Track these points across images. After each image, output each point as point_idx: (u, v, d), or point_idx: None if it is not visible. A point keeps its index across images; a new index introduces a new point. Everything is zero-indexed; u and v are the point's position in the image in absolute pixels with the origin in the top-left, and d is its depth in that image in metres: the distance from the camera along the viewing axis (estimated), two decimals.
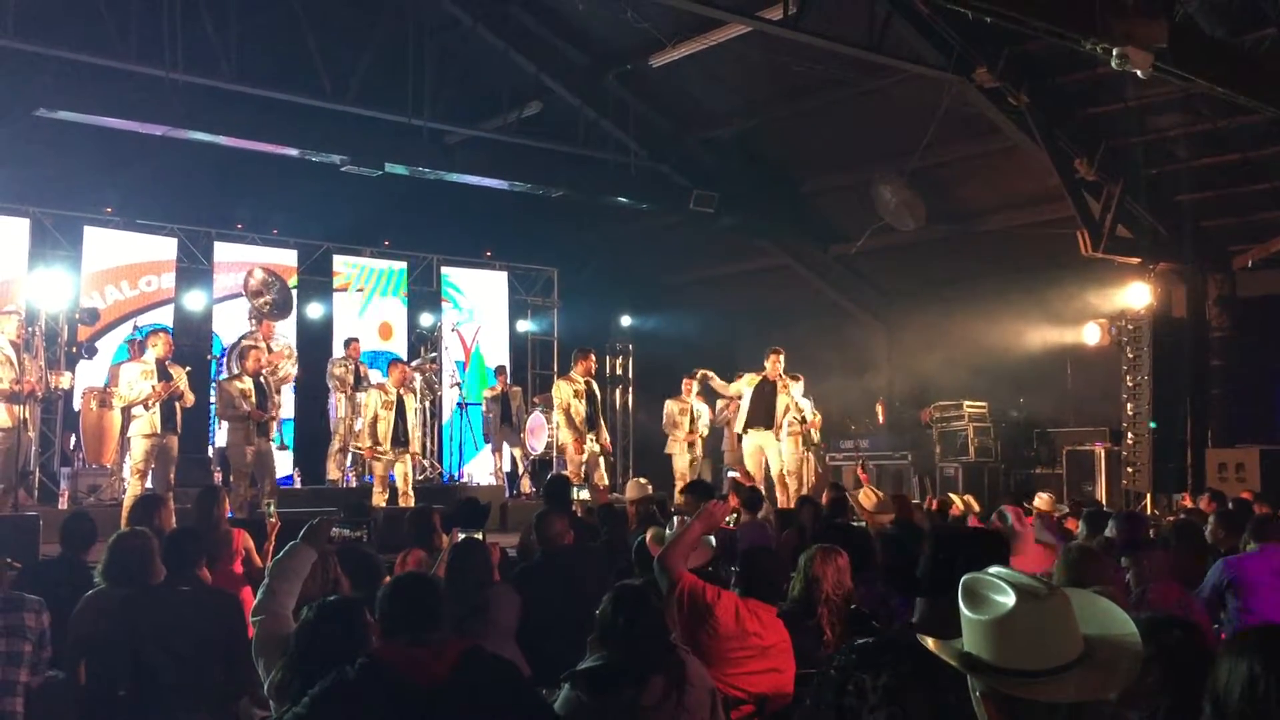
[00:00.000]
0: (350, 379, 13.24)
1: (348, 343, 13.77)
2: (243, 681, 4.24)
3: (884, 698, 2.37)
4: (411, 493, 11.31)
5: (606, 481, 11.30)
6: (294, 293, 14.11)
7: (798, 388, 12.12)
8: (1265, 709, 2.13)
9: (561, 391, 11.36)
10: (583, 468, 11.10)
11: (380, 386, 11.79)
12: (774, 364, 11.77)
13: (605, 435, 11.68)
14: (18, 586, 5.11)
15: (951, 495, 9.26)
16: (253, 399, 10.31)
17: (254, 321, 13.13)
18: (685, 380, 12.89)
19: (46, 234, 13.08)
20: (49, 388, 10.72)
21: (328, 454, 13.31)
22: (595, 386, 11.54)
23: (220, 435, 12.46)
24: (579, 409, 11.19)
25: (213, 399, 12.59)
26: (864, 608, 4.85)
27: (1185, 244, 13.16)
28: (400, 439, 11.45)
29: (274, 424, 10.77)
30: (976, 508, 8.82)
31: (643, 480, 9.50)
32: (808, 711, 2.77)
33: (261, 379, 10.59)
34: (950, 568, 2.65)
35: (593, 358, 11.72)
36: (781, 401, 11.68)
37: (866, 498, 8.18)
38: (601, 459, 11.46)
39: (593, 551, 6.49)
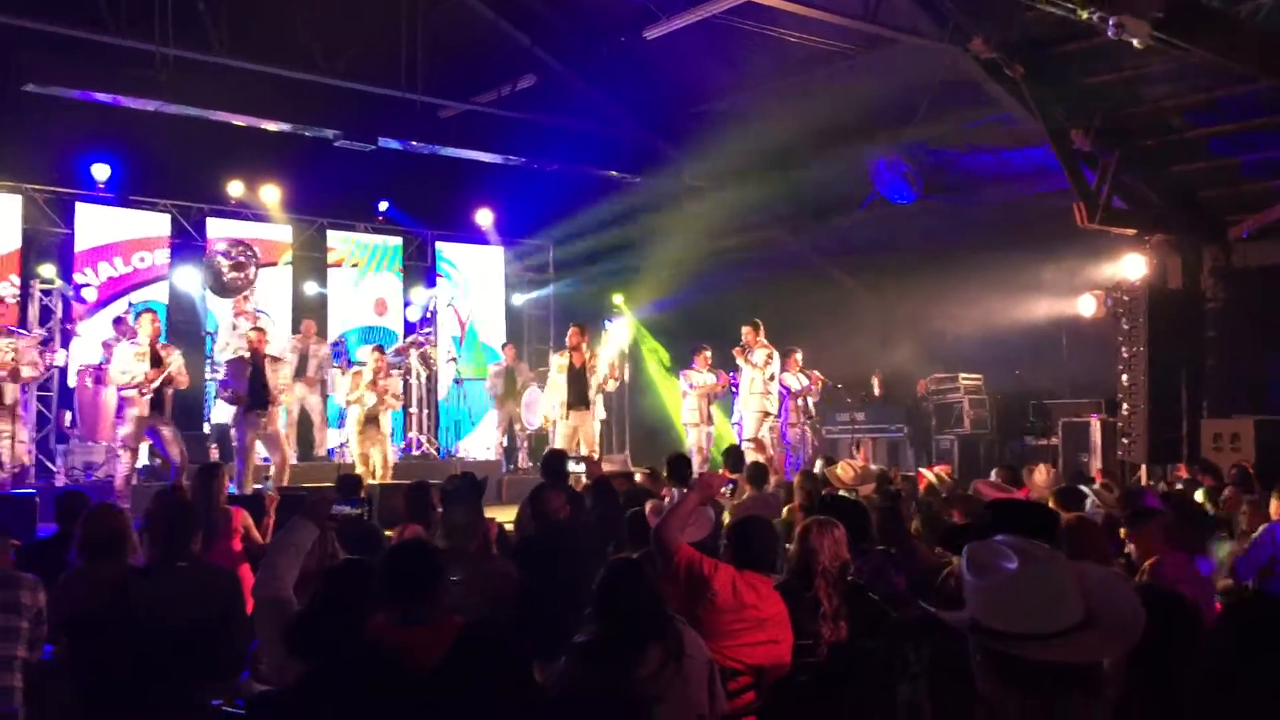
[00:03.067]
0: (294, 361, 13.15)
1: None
2: (242, 657, 4.25)
3: (924, 668, 2.41)
4: (389, 475, 11.28)
5: (590, 453, 11.32)
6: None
7: (759, 355, 12.23)
8: (1229, 680, 2.14)
9: (550, 366, 11.61)
10: (570, 441, 11.23)
11: (357, 373, 11.65)
12: (745, 336, 12.28)
13: (592, 410, 11.68)
14: (18, 564, 5.13)
15: (922, 469, 9.25)
16: (247, 378, 10.33)
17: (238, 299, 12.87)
18: (698, 353, 12.93)
19: (39, 211, 13.02)
20: (44, 366, 10.70)
21: None
22: (581, 361, 11.54)
23: (217, 412, 12.50)
24: (558, 383, 11.51)
25: (209, 376, 12.60)
26: (860, 579, 4.87)
27: (1181, 215, 13.15)
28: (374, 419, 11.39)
29: (278, 404, 10.77)
30: (946, 480, 8.79)
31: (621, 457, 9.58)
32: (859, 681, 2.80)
33: (264, 360, 10.63)
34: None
35: (574, 332, 11.78)
36: (744, 375, 12.26)
37: (845, 470, 8.18)
38: (582, 434, 11.46)
39: (588, 525, 6.50)
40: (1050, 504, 6.31)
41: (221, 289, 12.65)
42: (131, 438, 9.68)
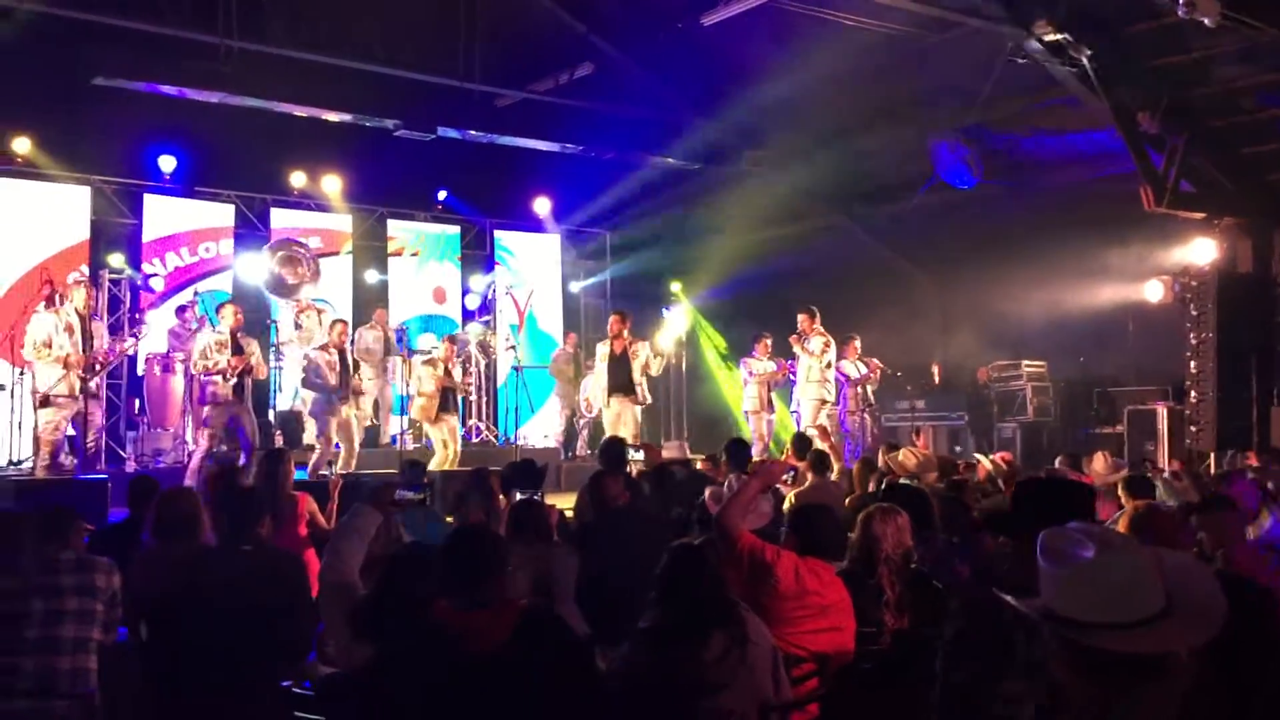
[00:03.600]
0: (379, 350, 13.36)
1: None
2: (308, 639, 4.31)
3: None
4: (456, 461, 11.47)
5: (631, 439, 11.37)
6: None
7: (815, 344, 12.17)
8: None
9: (596, 354, 11.89)
10: (613, 429, 11.27)
11: (431, 362, 11.87)
12: (801, 324, 12.23)
13: (638, 396, 11.69)
14: (91, 548, 5.24)
15: (979, 456, 9.12)
16: (337, 370, 10.59)
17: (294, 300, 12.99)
18: (759, 341, 12.88)
19: (107, 202, 13.28)
20: (116, 354, 10.93)
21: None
22: (623, 347, 11.62)
23: (282, 399, 12.66)
24: (601, 371, 11.71)
25: (273, 364, 12.73)
26: (923, 567, 4.83)
27: (1251, 198, 12.84)
28: (448, 406, 11.62)
29: (357, 394, 11.03)
30: (1005, 465, 8.65)
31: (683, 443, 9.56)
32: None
33: (347, 352, 10.87)
34: (1035, 514, 2.64)
35: (615, 320, 11.80)
36: (802, 362, 12.20)
37: (908, 457, 8.09)
38: (623, 421, 11.48)
39: (647, 512, 6.51)
40: (1118, 492, 6.22)
41: (277, 288, 12.75)
42: (215, 423, 9.89)
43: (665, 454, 9.97)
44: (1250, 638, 2.71)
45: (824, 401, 12.15)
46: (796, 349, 12.30)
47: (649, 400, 12.46)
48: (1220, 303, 12.30)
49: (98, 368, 9.83)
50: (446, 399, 11.61)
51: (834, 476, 8.16)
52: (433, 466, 10.85)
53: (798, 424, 12.65)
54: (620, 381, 11.62)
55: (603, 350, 11.90)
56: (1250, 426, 12.41)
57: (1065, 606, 1.85)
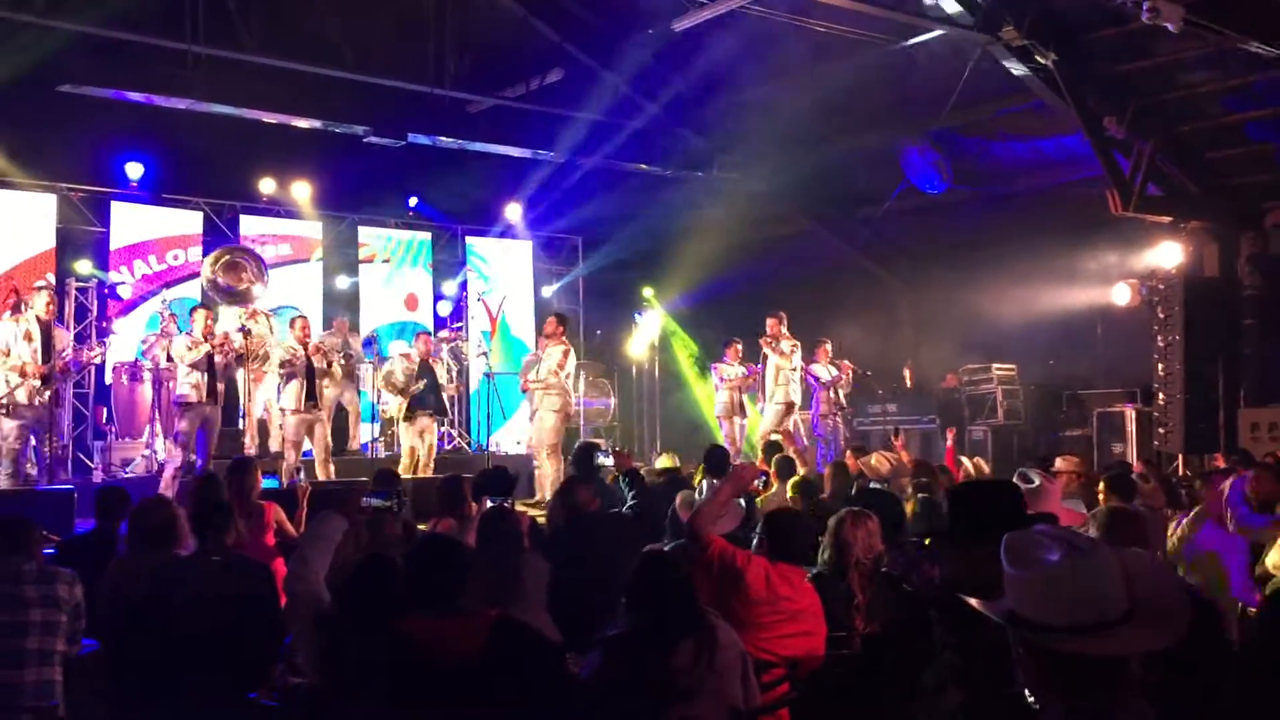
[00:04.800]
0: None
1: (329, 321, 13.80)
2: (276, 649, 4.27)
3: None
4: (432, 464, 11.39)
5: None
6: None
7: (784, 346, 12.18)
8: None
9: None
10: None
11: (405, 356, 11.85)
12: (770, 329, 12.18)
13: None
14: (57, 559, 5.19)
15: (963, 459, 9.18)
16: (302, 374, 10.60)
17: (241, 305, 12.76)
18: (730, 346, 12.87)
19: (74, 210, 13.15)
20: (80, 362, 10.84)
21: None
22: (557, 352, 11.36)
23: (255, 408, 12.48)
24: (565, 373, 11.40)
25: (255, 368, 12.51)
26: (894, 570, 4.84)
27: (1217, 202, 12.98)
28: (430, 406, 11.55)
29: (323, 397, 10.93)
30: (986, 470, 8.72)
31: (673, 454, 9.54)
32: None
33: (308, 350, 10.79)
34: (973, 518, 2.66)
35: (551, 321, 11.71)
36: (770, 365, 12.16)
37: (880, 462, 8.11)
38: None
39: (619, 518, 6.50)
40: (1100, 492, 6.26)
41: (226, 297, 12.47)
42: (186, 433, 9.83)
43: (659, 465, 9.91)
44: (1208, 645, 2.74)
45: (790, 405, 12.15)
46: (765, 351, 12.30)
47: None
48: (1187, 306, 12.41)
49: (57, 375, 9.73)
50: (424, 398, 11.52)
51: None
52: (399, 471, 10.82)
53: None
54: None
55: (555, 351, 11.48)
56: (1217, 428, 12.53)
57: (1030, 610, 1.86)
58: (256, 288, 12.30)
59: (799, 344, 12.37)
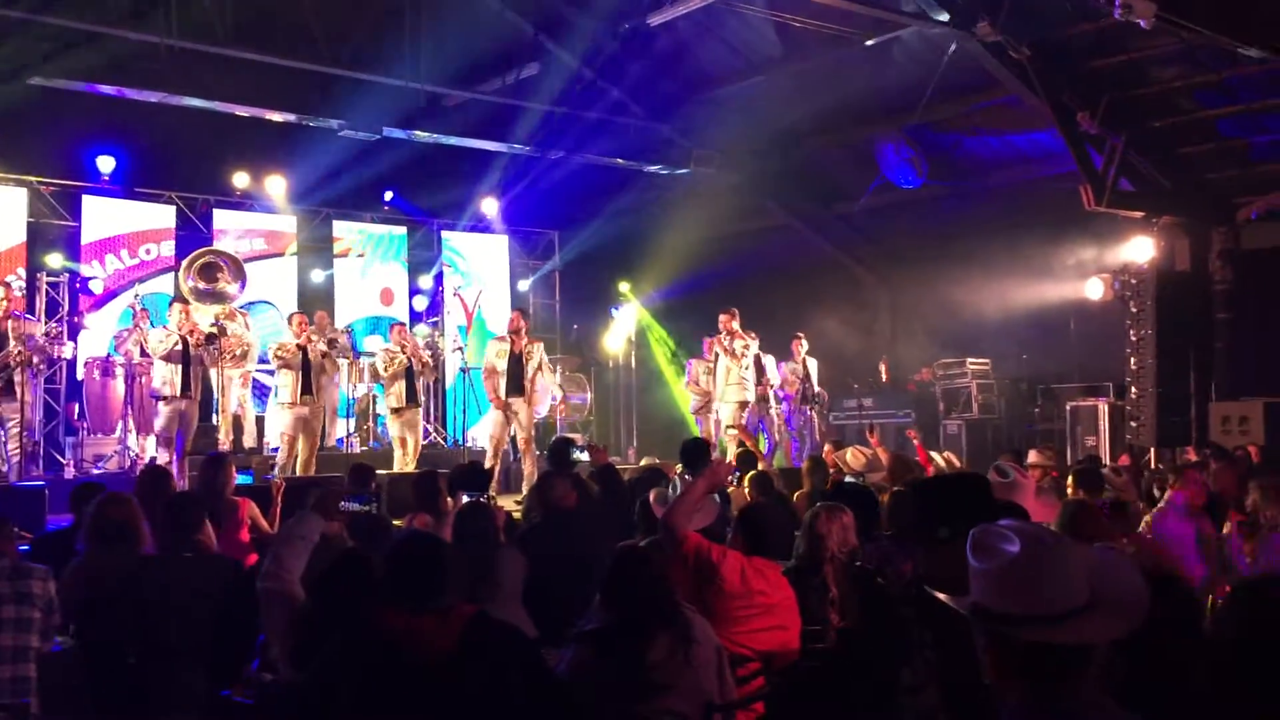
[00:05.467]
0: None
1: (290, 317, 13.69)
2: (249, 646, 4.26)
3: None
4: (416, 458, 11.36)
5: (526, 441, 11.35)
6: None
7: (737, 345, 12.08)
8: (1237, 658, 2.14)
9: (488, 351, 11.61)
10: (503, 430, 11.23)
11: (387, 351, 11.81)
12: (722, 325, 12.05)
13: (529, 398, 11.44)
14: (31, 556, 5.15)
15: (932, 454, 9.22)
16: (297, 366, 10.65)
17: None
18: (707, 340, 12.84)
19: (45, 204, 13.03)
20: (52, 357, 10.76)
21: None
22: (519, 347, 11.32)
23: (228, 404, 12.41)
24: (499, 368, 11.28)
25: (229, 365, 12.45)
26: (869, 565, 4.86)
27: (1189, 197, 13.09)
28: (414, 399, 11.53)
29: (319, 390, 10.89)
30: (957, 464, 8.78)
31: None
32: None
33: (309, 345, 10.82)
34: (938, 513, 2.68)
35: (515, 317, 11.66)
36: (722, 364, 12.00)
37: (855, 457, 8.15)
38: (518, 423, 11.29)
39: (595, 513, 6.51)
40: (1067, 486, 6.31)
41: (205, 298, 12.36)
42: (166, 427, 9.81)
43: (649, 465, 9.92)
44: (1172, 628, 2.77)
45: (744, 403, 12.09)
46: (718, 349, 12.17)
47: (541, 403, 12.38)
48: (1159, 300, 12.51)
49: (11, 368, 9.67)
50: (410, 391, 11.49)
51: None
52: (393, 468, 10.83)
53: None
54: (516, 382, 11.28)
55: (500, 348, 11.45)
56: (1189, 422, 12.63)
57: (993, 601, 1.89)
58: (232, 288, 12.26)
59: (753, 340, 12.22)
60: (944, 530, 2.73)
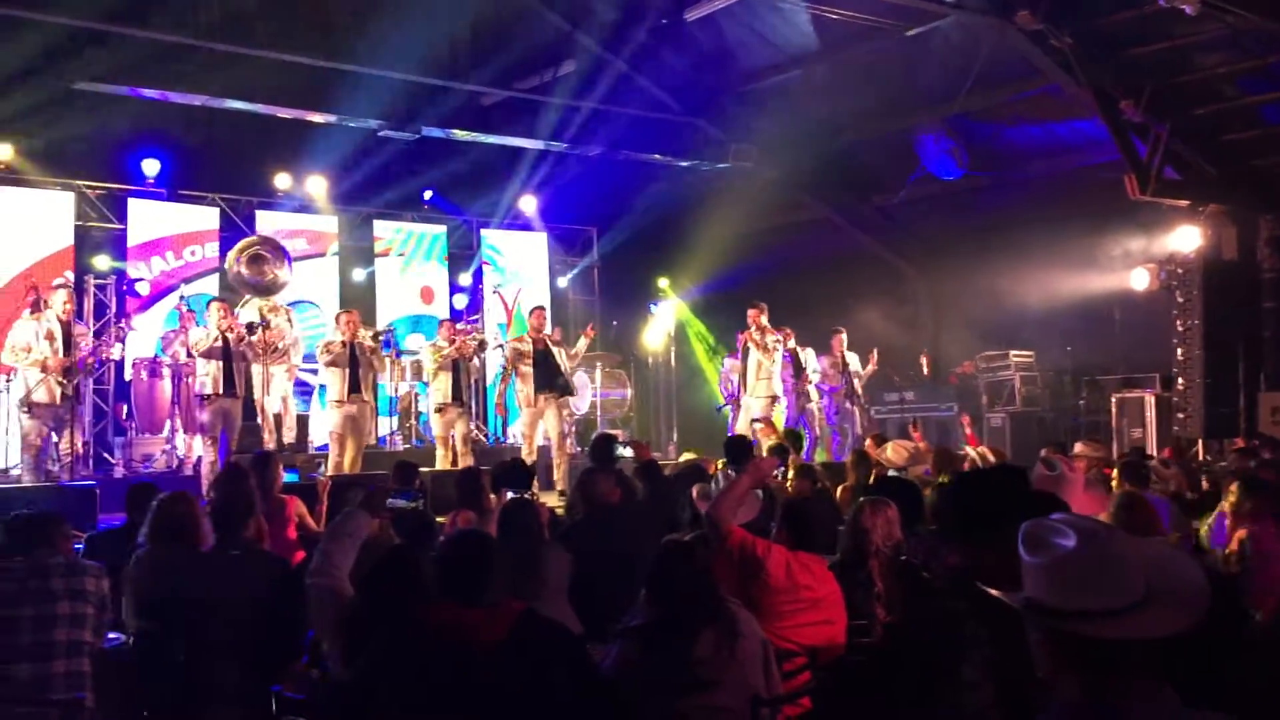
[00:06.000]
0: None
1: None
2: (297, 644, 4.30)
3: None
4: (470, 452, 11.33)
5: (560, 440, 11.31)
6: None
7: (769, 341, 12.04)
8: None
9: (507, 350, 11.58)
10: (533, 429, 11.21)
11: (434, 346, 11.82)
12: (751, 320, 12.00)
13: (563, 395, 11.45)
14: (86, 554, 5.24)
15: (967, 448, 9.13)
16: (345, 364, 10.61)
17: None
18: (741, 335, 12.80)
19: (91, 207, 13.23)
20: (100, 359, 10.91)
21: None
22: (544, 344, 11.32)
23: (271, 401, 12.54)
24: (524, 369, 11.27)
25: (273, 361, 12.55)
26: (914, 559, 4.84)
27: (1235, 184, 12.89)
28: (458, 397, 11.44)
29: (367, 387, 10.93)
30: (991, 459, 8.69)
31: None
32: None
33: (356, 343, 10.78)
34: (981, 507, 2.66)
35: (537, 314, 11.63)
36: (753, 359, 11.96)
37: (896, 452, 8.10)
38: (547, 421, 11.27)
39: (638, 509, 6.51)
40: (1114, 478, 6.25)
41: (255, 290, 12.50)
42: (212, 426, 9.92)
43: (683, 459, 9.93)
44: (1226, 625, 2.74)
45: (774, 398, 12.03)
46: (748, 343, 12.06)
47: (576, 394, 12.34)
48: (1206, 290, 12.35)
49: (78, 372, 9.81)
50: (455, 388, 11.38)
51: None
52: (435, 466, 10.84)
53: (788, 418, 12.66)
54: (546, 379, 11.26)
55: (522, 348, 11.43)
56: (1237, 413, 12.47)
57: (1047, 596, 1.87)
58: (282, 274, 12.29)
59: (782, 338, 12.17)
60: (998, 519, 2.70)
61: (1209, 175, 12.83)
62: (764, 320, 12.03)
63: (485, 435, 14.79)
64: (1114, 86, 11.78)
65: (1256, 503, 5.06)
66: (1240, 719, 2.28)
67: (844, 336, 13.15)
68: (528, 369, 11.25)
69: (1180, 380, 12.52)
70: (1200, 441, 12.34)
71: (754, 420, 11.64)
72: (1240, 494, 5.19)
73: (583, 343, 11.81)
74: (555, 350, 11.42)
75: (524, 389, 11.29)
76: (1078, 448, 8.61)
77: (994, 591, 2.02)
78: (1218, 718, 1.90)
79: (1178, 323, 12.58)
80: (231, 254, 12.41)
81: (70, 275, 12.11)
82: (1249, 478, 5.43)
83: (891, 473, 7.44)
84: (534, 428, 11.31)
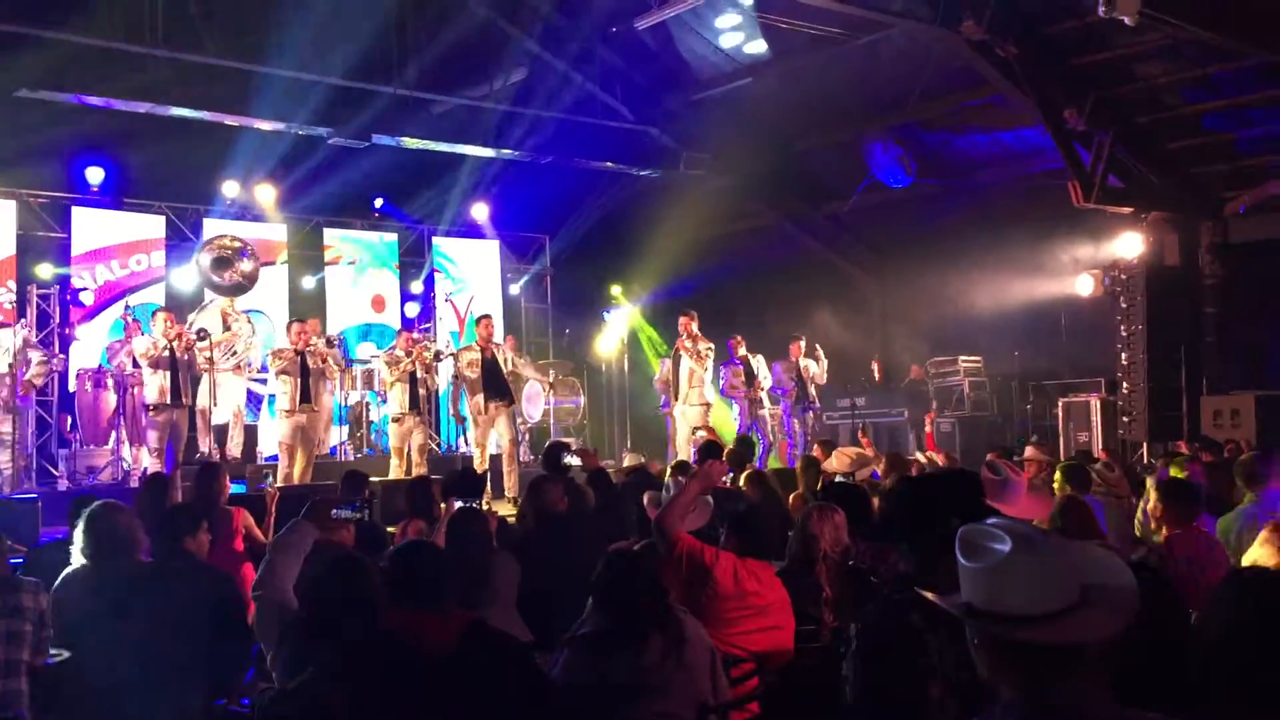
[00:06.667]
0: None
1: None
2: (244, 656, 4.26)
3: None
4: (425, 462, 11.25)
5: (510, 449, 11.32)
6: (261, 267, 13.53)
7: (702, 349, 12.10)
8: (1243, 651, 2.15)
9: (458, 360, 11.57)
10: (485, 437, 11.21)
11: (389, 355, 11.71)
12: (683, 328, 12.14)
13: (510, 402, 11.47)
14: (26, 568, 5.14)
15: (918, 453, 9.25)
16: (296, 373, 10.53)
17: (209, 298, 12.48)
18: (731, 340, 12.83)
19: (34, 216, 13.01)
20: (42, 369, 10.73)
21: None
22: (492, 353, 11.33)
23: (220, 411, 12.40)
24: (473, 378, 11.26)
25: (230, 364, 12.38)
26: (862, 564, 4.87)
27: (1177, 192, 13.14)
28: (415, 406, 11.33)
29: (317, 396, 10.85)
30: (941, 462, 8.79)
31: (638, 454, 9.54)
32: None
33: (308, 351, 10.67)
34: (929, 512, 2.68)
35: (486, 321, 11.68)
36: (684, 366, 12.06)
37: (839, 459, 8.15)
38: (498, 429, 11.27)
39: (588, 517, 6.50)
40: (1056, 481, 6.33)
41: (219, 290, 12.36)
42: (159, 433, 9.79)
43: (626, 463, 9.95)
44: (1168, 622, 2.78)
45: (707, 405, 12.17)
46: (682, 352, 12.11)
47: (534, 405, 12.32)
48: (1149, 295, 12.56)
49: (10, 384, 9.67)
50: (413, 398, 11.26)
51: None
52: (388, 475, 10.76)
53: (740, 425, 12.71)
54: (497, 387, 11.26)
55: (471, 356, 11.39)
56: (1181, 416, 12.68)
57: (984, 601, 1.89)
58: (244, 280, 12.05)
59: (714, 347, 12.25)
60: (946, 524, 2.73)
61: (1151, 183, 13.06)
62: (695, 328, 12.13)
63: (438, 445, 14.71)
64: (1058, 95, 11.97)
65: (1174, 509, 5.14)
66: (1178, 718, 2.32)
67: (802, 344, 13.20)
68: (476, 378, 11.21)
69: (1125, 384, 12.72)
70: (1145, 445, 12.54)
71: (695, 429, 11.72)
72: (1159, 499, 5.27)
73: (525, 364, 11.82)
74: (504, 359, 11.40)
75: (474, 398, 11.25)
76: (1028, 451, 8.72)
77: (932, 596, 2.04)
78: (1155, 717, 1.93)
79: (1122, 328, 12.78)
80: (197, 251, 12.21)
81: (12, 284, 11.91)
82: (1167, 484, 5.51)
83: (838, 478, 7.48)
84: (486, 436, 11.30)
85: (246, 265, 11.94)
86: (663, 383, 13.24)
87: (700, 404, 12.07)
